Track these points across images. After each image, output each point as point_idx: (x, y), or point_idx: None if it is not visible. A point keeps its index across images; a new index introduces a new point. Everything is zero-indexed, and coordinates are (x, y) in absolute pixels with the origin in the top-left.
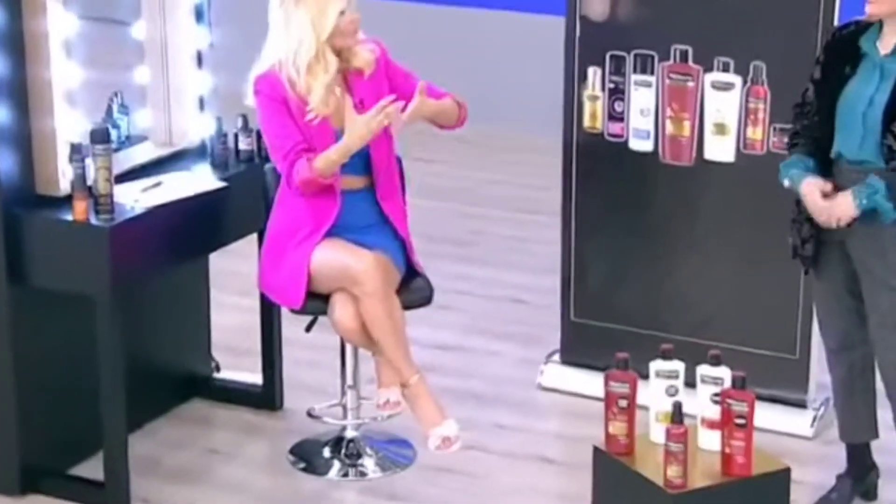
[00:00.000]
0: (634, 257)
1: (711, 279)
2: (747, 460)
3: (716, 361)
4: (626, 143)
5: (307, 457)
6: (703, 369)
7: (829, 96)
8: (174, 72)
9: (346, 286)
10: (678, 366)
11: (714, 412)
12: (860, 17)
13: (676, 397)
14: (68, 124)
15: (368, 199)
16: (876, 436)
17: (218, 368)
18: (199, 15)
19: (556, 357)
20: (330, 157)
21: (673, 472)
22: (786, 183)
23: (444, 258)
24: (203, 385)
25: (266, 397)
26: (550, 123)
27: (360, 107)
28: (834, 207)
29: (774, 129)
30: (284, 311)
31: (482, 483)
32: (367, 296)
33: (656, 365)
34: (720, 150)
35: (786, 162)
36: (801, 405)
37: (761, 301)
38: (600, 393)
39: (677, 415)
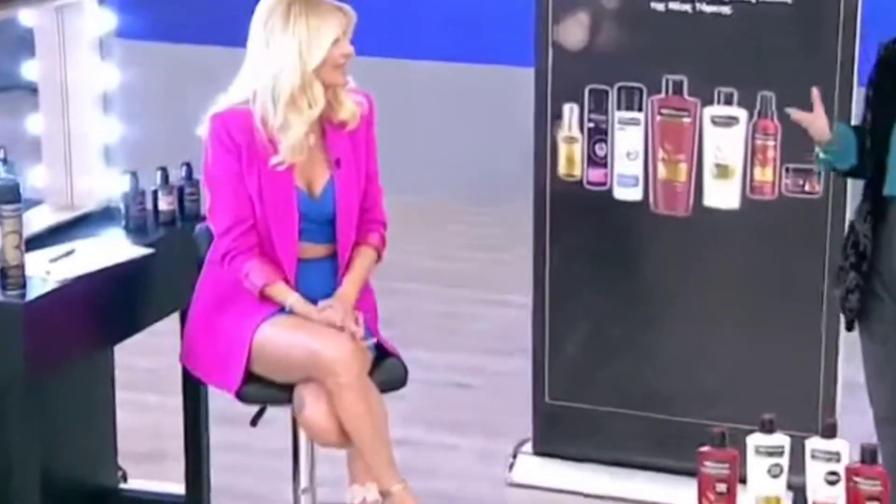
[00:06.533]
0: (621, 326)
1: (715, 349)
2: None
3: (830, 432)
4: (609, 191)
5: None
6: (814, 443)
7: (883, 123)
8: (75, 118)
9: (316, 376)
10: (783, 440)
11: (830, 495)
12: None
13: (781, 477)
14: None
15: (328, 270)
16: None
17: (125, 478)
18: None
19: (528, 447)
20: (278, 297)
21: None
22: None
23: None
24: (110, 498)
25: None
26: (461, 190)
27: (337, 167)
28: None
29: (787, 169)
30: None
31: None
32: (343, 388)
33: (755, 440)
34: (723, 195)
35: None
36: None
37: (775, 374)
38: (584, 487)
39: (800, 499)
